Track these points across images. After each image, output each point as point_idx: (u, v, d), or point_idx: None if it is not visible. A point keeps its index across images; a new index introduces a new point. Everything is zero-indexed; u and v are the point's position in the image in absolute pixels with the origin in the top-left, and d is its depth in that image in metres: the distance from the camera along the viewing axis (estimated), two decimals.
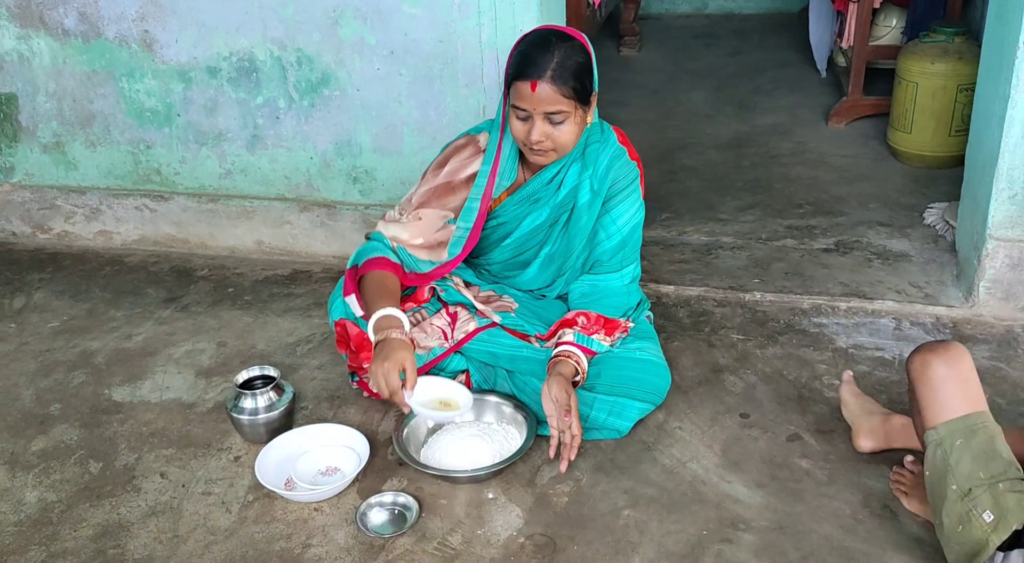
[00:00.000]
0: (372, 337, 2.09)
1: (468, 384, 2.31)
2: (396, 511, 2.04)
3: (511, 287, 2.45)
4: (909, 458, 2.01)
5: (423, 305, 2.33)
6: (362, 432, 2.21)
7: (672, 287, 2.86)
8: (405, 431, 2.18)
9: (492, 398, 2.26)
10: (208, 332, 2.78)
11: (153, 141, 3.15)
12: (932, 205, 3.25)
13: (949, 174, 3.44)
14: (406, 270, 2.27)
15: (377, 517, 2.02)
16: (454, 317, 2.32)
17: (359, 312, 2.23)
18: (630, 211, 2.29)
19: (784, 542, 1.92)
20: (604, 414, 2.19)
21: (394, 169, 2.99)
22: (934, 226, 3.14)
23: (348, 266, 2.28)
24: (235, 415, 2.22)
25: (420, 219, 2.28)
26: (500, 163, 2.25)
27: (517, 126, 2.14)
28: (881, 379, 2.41)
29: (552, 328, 2.28)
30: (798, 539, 1.92)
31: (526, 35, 2.18)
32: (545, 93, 2.07)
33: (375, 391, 2.35)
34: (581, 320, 2.23)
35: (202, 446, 2.28)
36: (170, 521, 2.05)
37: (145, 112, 3.11)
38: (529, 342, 2.30)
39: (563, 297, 2.44)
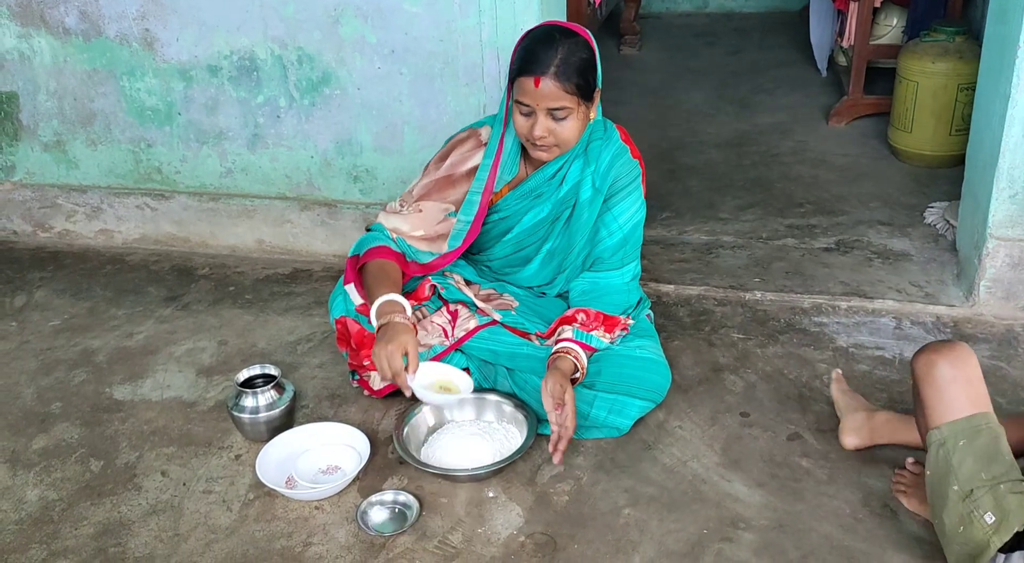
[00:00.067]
0: (375, 322, 2.11)
1: None
2: (397, 509, 2.04)
3: (512, 285, 2.46)
4: (910, 460, 2.01)
5: (424, 303, 2.33)
6: (363, 431, 2.21)
7: (672, 286, 2.86)
8: (406, 430, 2.19)
9: (492, 397, 2.26)
10: (209, 331, 2.78)
11: (154, 140, 3.15)
12: (933, 204, 3.25)
13: (950, 173, 3.44)
14: (407, 259, 2.28)
15: (378, 515, 2.03)
16: (455, 315, 2.32)
17: (358, 300, 2.26)
18: (632, 209, 2.30)
19: (784, 541, 1.92)
20: (604, 412, 2.20)
21: (395, 168, 2.99)
22: (935, 225, 3.14)
23: (349, 255, 2.30)
24: (236, 414, 2.23)
25: (421, 211, 2.29)
26: (502, 157, 2.26)
27: (520, 121, 2.15)
28: (882, 378, 2.41)
29: (552, 325, 2.28)
30: (798, 538, 1.93)
31: (530, 31, 2.18)
32: (548, 89, 2.07)
33: (374, 386, 2.36)
34: (581, 317, 2.23)
35: (203, 444, 2.29)
36: (171, 519, 2.05)
37: (146, 111, 3.11)
38: (529, 340, 2.31)
39: (563, 295, 2.44)
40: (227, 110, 3.04)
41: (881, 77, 4.08)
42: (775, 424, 2.26)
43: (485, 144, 2.29)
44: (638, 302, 2.44)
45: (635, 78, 4.84)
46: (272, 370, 2.29)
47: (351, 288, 2.30)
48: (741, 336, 2.61)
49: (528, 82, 2.08)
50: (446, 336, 2.30)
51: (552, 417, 2.07)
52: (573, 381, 2.15)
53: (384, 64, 2.84)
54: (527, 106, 2.11)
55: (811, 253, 3.03)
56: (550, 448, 2.09)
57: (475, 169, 2.28)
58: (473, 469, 2.08)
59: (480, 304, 2.34)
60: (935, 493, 1.76)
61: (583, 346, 2.19)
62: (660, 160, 3.77)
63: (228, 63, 2.96)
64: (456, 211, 2.30)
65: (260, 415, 2.22)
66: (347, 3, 2.78)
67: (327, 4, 2.79)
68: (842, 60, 4.44)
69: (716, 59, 5.10)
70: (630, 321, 2.34)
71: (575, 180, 2.28)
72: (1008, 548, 1.66)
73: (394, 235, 2.29)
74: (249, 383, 2.27)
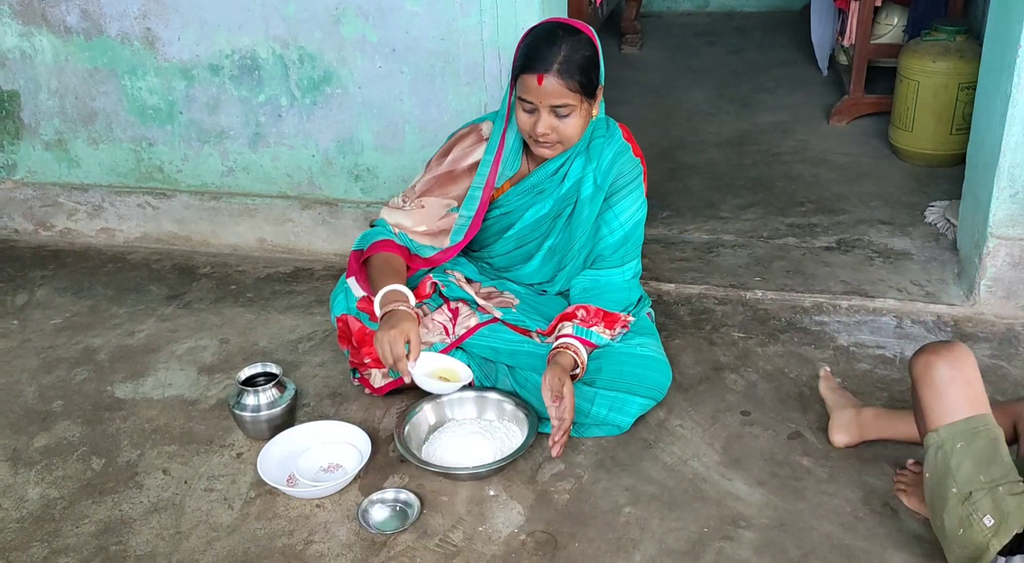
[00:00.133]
0: (378, 310, 2.12)
1: (470, 382, 2.32)
2: (397, 508, 2.04)
3: (512, 282, 2.46)
4: (911, 460, 2.01)
5: (425, 301, 2.33)
6: (364, 429, 2.21)
7: (673, 285, 2.87)
8: (407, 428, 2.19)
9: (493, 395, 2.27)
10: (210, 329, 2.78)
11: (155, 139, 3.16)
12: (933, 203, 3.26)
13: (950, 172, 3.45)
14: (410, 253, 2.30)
15: (379, 514, 2.03)
16: (455, 313, 2.33)
17: (359, 293, 2.27)
18: (633, 207, 2.30)
19: (785, 539, 1.92)
20: (605, 410, 2.20)
21: (396, 167, 2.99)
22: (935, 224, 3.14)
23: (353, 249, 2.31)
24: (237, 412, 2.23)
25: (423, 207, 2.31)
26: (503, 152, 2.26)
27: (523, 118, 2.16)
28: (882, 377, 2.41)
29: (552, 322, 2.29)
30: (799, 537, 1.93)
31: (533, 28, 2.19)
32: (551, 87, 2.08)
33: (375, 385, 2.36)
34: (581, 313, 2.24)
35: (204, 443, 2.29)
36: (172, 517, 2.05)
37: (147, 110, 3.11)
38: (530, 337, 2.31)
39: (564, 293, 2.45)
40: (228, 109, 3.04)
41: (882, 76, 4.08)
42: (776, 423, 2.26)
43: (486, 139, 2.30)
44: (639, 300, 2.44)
45: (636, 77, 4.84)
46: (273, 368, 2.29)
47: (353, 281, 2.31)
48: (742, 335, 2.61)
49: (531, 79, 2.09)
50: (447, 334, 2.30)
51: (551, 410, 2.08)
52: (573, 377, 2.15)
53: (385, 63, 2.84)
54: (530, 103, 2.12)
55: (812, 252, 3.03)
56: (549, 441, 2.09)
57: (477, 164, 2.29)
58: (474, 467, 2.08)
59: (481, 302, 2.34)
60: (934, 495, 1.76)
61: (583, 342, 2.19)
62: (661, 159, 3.78)
63: (229, 62, 2.96)
64: (458, 206, 2.31)
65: (261, 413, 2.22)
66: (348, 2, 2.78)
67: (328, 3, 2.80)
68: (843, 59, 4.44)
69: (717, 58, 5.11)
70: (630, 318, 2.34)
71: (577, 177, 2.29)
72: (1008, 551, 1.66)
73: (396, 230, 2.30)
74: (250, 381, 2.27)
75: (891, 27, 4.11)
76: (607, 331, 2.25)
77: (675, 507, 2.02)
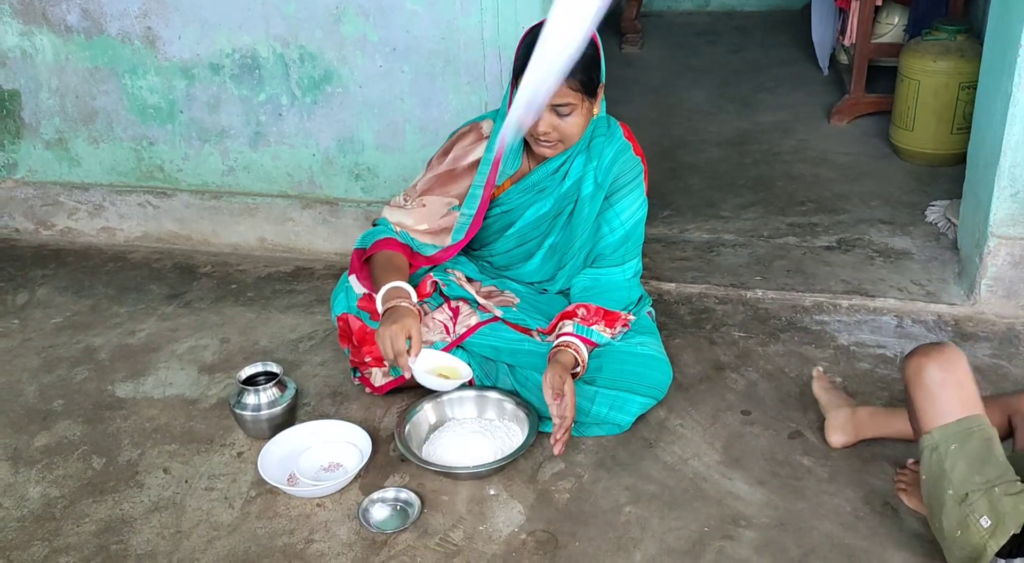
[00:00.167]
0: (380, 307, 2.13)
1: (470, 381, 2.32)
2: (398, 507, 2.04)
3: (513, 281, 2.46)
4: (911, 460, 2.01)
5: (425, 300, 2.33)
6: (364, 428, 2.22)
7: (674, 284, 2.86)
8: (407, 427, 2.19)
9: (494, 394, 2.27)
10: (211, 328, 2.78)
11: (156, 138, 3.16)
12: (934, 203, 3.25)
13: (951, 172, 3.44)
14: (412, 251, 2.30)
15: (379, 513, 2.03)
16: (456, 312, 2.33)
17: (361, 290, 2.27)
18: (634, 206, 2.30)
19: (785, 539, 1.92)
20: (605, 408, 2.20)
21: (396, 166, 2.99)
22: (936, 224, 3.14)
23: (355, 247, 2.31)
24: (238, 411, 2.23)
25: (424, 206, 2.31)
26: (504, 150, 2.26)
27: None
28: (883, 376, 2.41)
29: (553, 321, 2.29)
30: (799, 536, 1.93)
31: (535, 26, 2.18)
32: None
33: (376, 384, 2.36)
34: (581, 312, 2.24)
35: (205, 442, 2.29)
36: (173, 517, 2.06)
37: (148, 109, 3.11)
38: (531, 336, 2.31)
39: (564, 292, 2.45)
40: (229, 108, 3.04)
41: (882, 76, 4.08)
42: (776, 422, 2.26)
43: (487, 138, 2.30)
44: (639, 299, 2.44)
45: (637, 76, 4.84)
46: (274, 368, 2.30)
47: (353, 279, 2.32)
48: (742, 334, 2.61)
49: None
50: (447, 333, 2.30)
51: (552, 408, 2.08)
52: (574, 375, 2.15)
53: (385, 62, 2.84)
54: None
55: (812, 251, 3.03)
56: (551, 439, 2.09)
57: (477, 163, 2.29)
58: (475, 467, 2.08)
59: (481, 300, 2.34)
60: (931, 497, 1.76)
61: (584, 340, 2.19)
62: (662, 158, 3.77)
63: (230, 61, 2.96)
64: (459, 205, 2.31)
65: (262, 412, 2.22)
66: (349, 1, 2.78)
67: (329, 2, 2.79)
68: (844, 58, 4.44)
69: (717, 57, 5.10)
70: (631, 317, 2.34)
71: (577, 175, 2.29)
72: (1008, 553, 1.66)
73: (398, 229, 2.30)
74: (251, 381, 2.27)
75: (892, 26, 4.11)
76: (608, 330, 2.25)
77: (676, 506, 2.02)
